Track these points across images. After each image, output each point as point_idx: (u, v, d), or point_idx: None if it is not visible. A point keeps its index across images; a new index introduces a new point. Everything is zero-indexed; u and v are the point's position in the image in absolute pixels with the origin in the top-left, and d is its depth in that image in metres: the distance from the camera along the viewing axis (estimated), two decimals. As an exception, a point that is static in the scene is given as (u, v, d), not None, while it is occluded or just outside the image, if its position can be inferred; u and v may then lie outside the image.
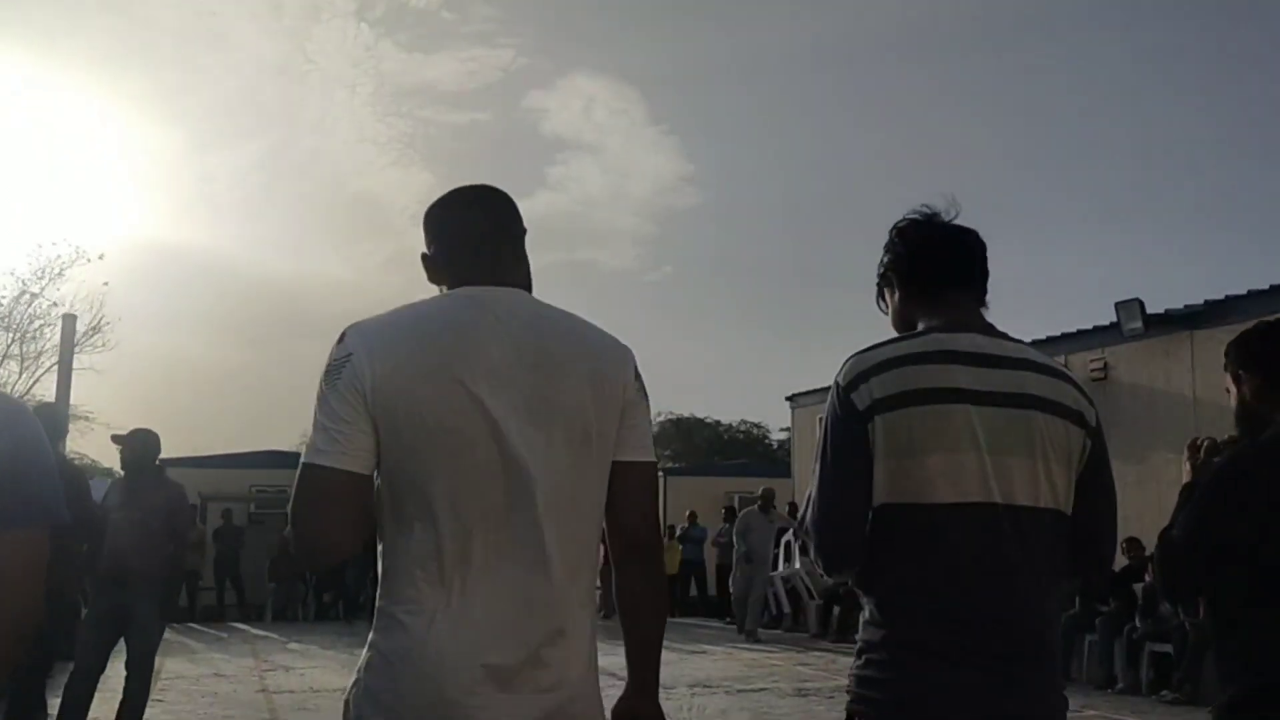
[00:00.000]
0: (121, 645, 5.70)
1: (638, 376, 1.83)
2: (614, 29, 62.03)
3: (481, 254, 1.82)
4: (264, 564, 16.20)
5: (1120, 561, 9.18)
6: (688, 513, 17.77)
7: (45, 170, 47.34)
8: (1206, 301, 10.75)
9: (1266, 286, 10.04)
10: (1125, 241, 55.91)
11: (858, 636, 1.88)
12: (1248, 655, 2.11)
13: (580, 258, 57.27)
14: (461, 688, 1.60)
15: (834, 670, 10.23)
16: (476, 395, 1.66)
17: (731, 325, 64.05)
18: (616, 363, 1.80)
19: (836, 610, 13.34)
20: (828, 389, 1.89)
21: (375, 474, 1.69)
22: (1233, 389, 2.37)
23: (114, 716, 5.70)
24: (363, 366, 1.65)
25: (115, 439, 5.93)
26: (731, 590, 14.20)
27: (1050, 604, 1.86)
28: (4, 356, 25.83)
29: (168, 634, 6.61)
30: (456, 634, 1.61)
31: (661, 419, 39.13)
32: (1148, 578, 9.13)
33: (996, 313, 1.99)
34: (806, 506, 1.90)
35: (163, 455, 6.01)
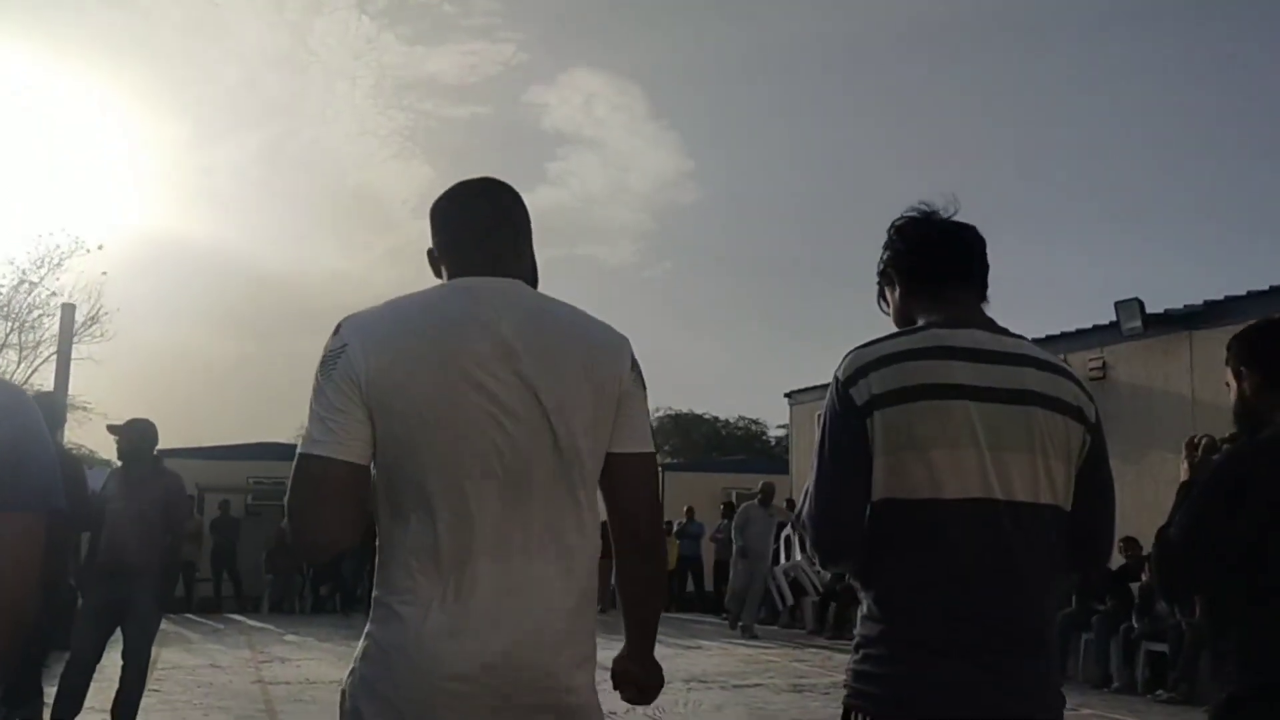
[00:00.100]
0: (118, 635, 5.69)
1: (635, 367, 1.82)
2: (616, 24, 62.07)
3: (483, 247, 1.82)
4: (261, 556, 16.21)
5: (1117, 560, 9.19)
6: (685, 508, 17.78)
7: (45, 160, 47.32)
8: (1206, 302, 10.75)
9: (1266, 287, 10.05)
10: (1125, 241, 56.03)
11: (855, 631, 1.88)
12: (1246, 654, 2.10)
13: (580, 253, 57.32)
14: (457, 678, 1.59)
15: (830, 667, 10.24)
16: (471, 385, 1.65)
17: (731, 322, 64.16)
18: (612, 352, 1.80)
19: (833, 607, 13.35)
20: (826, 386, 1.89)
21: (371, 466, 1.69)
22: (1233, 384, 2.36)
23: (110, 706, 5.71)
24: (358, 358, 1.65)
25: (111, 429, 5.92)
26: (731, 585, 14.19)
27: (1049, 601, 1.86)
28: (3, 345, 25.83)
29: (164, 624, 6.60)
30: (452, 625, 1.61)
31: (660, 415, 39.17)
32: (1144, 577, 9.14)
33: (995, 311, 1.99)
34: (804, 500, 1.90)
35: (161, 446, 6.00)
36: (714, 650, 11.79)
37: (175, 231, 51.03)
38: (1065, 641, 9.38)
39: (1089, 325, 12.06)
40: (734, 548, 13.82)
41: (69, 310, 15.00)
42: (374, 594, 1.70)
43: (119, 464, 6.03)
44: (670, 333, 56.24)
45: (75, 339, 16.61)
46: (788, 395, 18.46)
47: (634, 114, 59.91)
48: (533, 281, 1.88)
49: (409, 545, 1.65)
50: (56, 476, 1.54)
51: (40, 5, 45.68)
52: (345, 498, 1.65)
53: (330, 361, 1.67)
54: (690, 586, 17.52)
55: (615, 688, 1.91)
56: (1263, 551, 2.06)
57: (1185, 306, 11.00)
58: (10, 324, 25.86)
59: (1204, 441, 2.41)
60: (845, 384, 1.83)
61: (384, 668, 1.63)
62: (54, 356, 15.94)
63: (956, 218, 2.02)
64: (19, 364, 25.70)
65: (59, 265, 25.63)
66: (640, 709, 7.64)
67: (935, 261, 1.99)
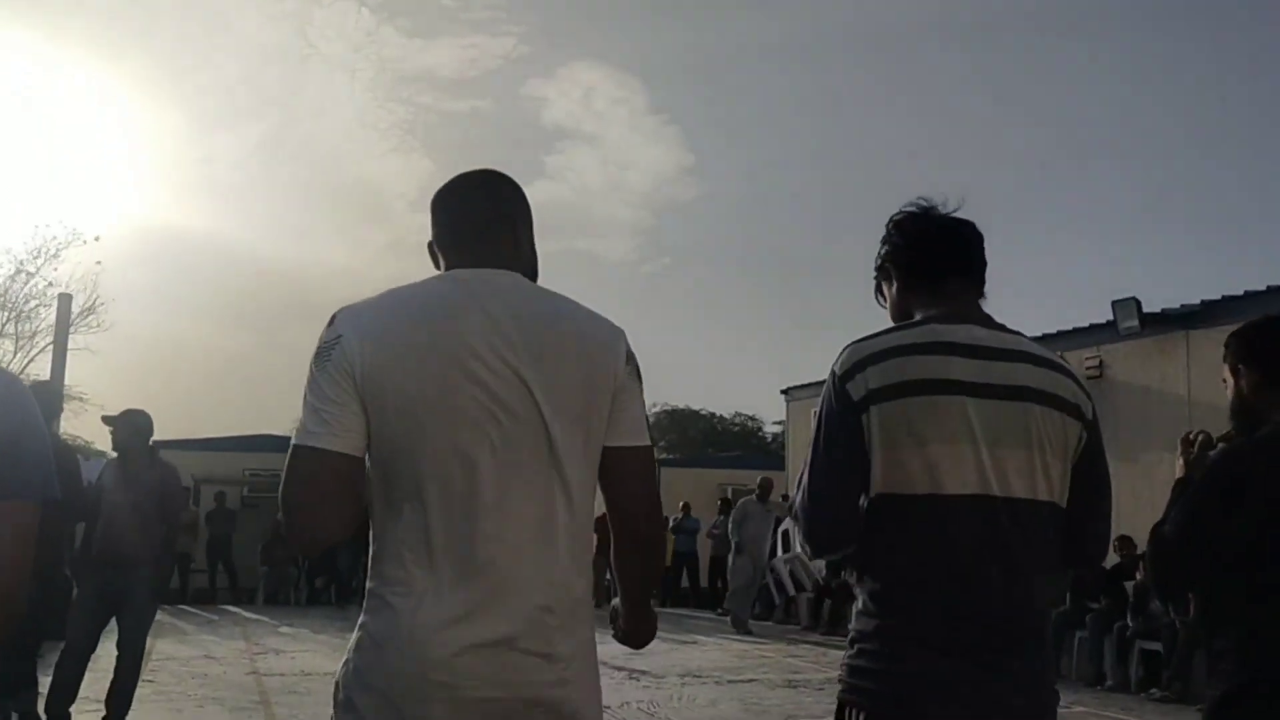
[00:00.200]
0: (112, 625, 5.69)
1: (630, 359, 1.81)
2: (615, 17, 61.90)
3: (481, 239, 1.82)
4: (257, 548, 16.23)
5: (1111, 559, 9.20)
6: (681, 504, 17.79)
7: (43, 150, 47.18)
8: (1203, 301, 10.76)
9: (1263, 287, 10.05)
10: (1123, 240, 56.02)
11: (851, 627, 1.87)
12: (1244, 652, 2.10)
13: (578, 248, 57.15)
14: (449, 669, 1.59)
15: (824, 662, 10.26)
16: (466, 377, 1.65)
17: (728, 318, 64.07)
18: (608, 344, 1.79)
19: (828, 603, 13.36)
20: (823, 383, 1.89)
21: (366, 457, 1.69)
22: (1230, 381, 2.35)
23: (105, 696, 5.71)
24: (353, 348, 1.64)
25: (106, 420, 5.90)
26: (731, 584, 14.11)
27: (1045, 597, 1.86)
28: (-1, 335, 25.81)
29: (159, 615, 6.60)
30: (445, 615, 1.61)
31: (656, 410, 39.16)
32: (1139, 575, 9.16)
33: (993, 308, 1.98)
34: (798, 491, 1.90)
35: (156, 437, 5.99)
36: (709, 645, 11.80)
37: (173, 222, 50.91)
38: (1059, 639, 9.40)
39: (1086, 324, 12.07)
40: (731, 544, 13.79)
41: (65, 300, 14.97)
42: (368, 585, 1.70)
43: (114, 455, 6.02)
44: (668, 328, 56.24)
45: (72, 329, 16.59)
46: (785, 391, 18.47)
47: (634, 108, 59.85)
48: (533, 273, 1.87)
49: (402, 536, 1.65)
50: (51, 466, 1.53)
51: (40, -6, 45.55)
52: (340, 489, 1.64)
53: (325, 352, 1.66)
54: (685, 582, 17.53)
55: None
56: (1261, 549, 2.06)
57: (1182, 306, 11.01)
58: (7, 314, 25.92)
59: (1200, 438, 2.40)
60: (842, 378, 1.83)
61: (377, 658, 1.62)
62: (50, 347, 15.91)
63: (956, 214, 2.02)
64: (15, 353, 25.76)
65: (56, 256, 25.65)
66: (635, 703, 7.65)
67: (933, 257, 1.98)
